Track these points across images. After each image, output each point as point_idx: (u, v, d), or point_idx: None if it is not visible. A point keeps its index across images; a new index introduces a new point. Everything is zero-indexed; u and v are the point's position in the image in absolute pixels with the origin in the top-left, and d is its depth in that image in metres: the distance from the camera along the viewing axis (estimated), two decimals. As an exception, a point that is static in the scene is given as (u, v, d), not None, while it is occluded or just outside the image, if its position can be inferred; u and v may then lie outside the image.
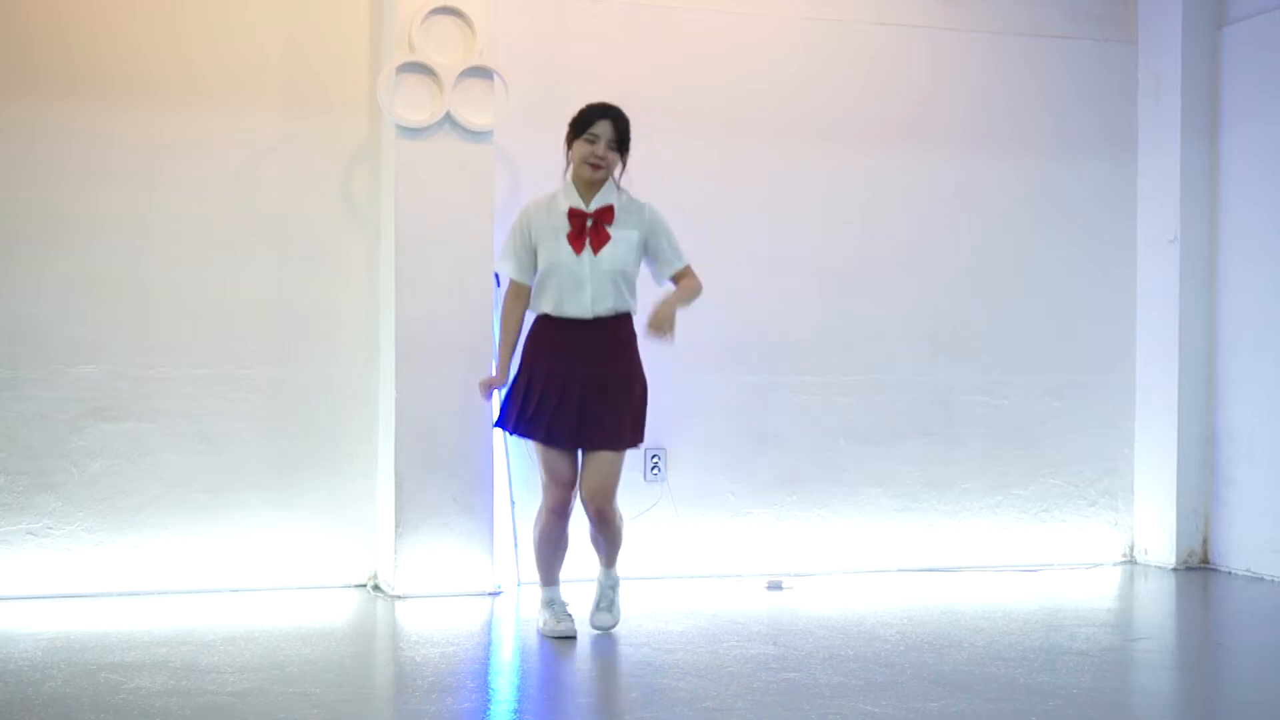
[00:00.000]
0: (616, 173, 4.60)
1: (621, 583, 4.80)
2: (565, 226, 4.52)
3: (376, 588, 5.46)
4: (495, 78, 5.42)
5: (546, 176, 5.56)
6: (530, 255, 4.56)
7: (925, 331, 6.18)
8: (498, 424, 4.66)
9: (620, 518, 4.68)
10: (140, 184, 5.36)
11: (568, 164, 4.59)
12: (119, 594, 5.23)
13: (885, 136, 6.13)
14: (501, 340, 4.68)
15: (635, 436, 4.58)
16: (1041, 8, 6.32)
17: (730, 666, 4.21)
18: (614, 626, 4.69)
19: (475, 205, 5.38)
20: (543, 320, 4.56)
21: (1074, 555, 6.31)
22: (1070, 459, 6.33)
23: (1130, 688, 4.22)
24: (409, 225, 5.30)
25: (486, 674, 4.23)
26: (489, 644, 4.67)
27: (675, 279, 4.65)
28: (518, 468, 5.54)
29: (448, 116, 5.34)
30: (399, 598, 5.27)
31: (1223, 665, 4.63)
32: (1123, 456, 6.39)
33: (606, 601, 4.71)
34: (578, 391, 4.47)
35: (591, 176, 4.54)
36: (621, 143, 4.56)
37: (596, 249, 4.50)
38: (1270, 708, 3.91)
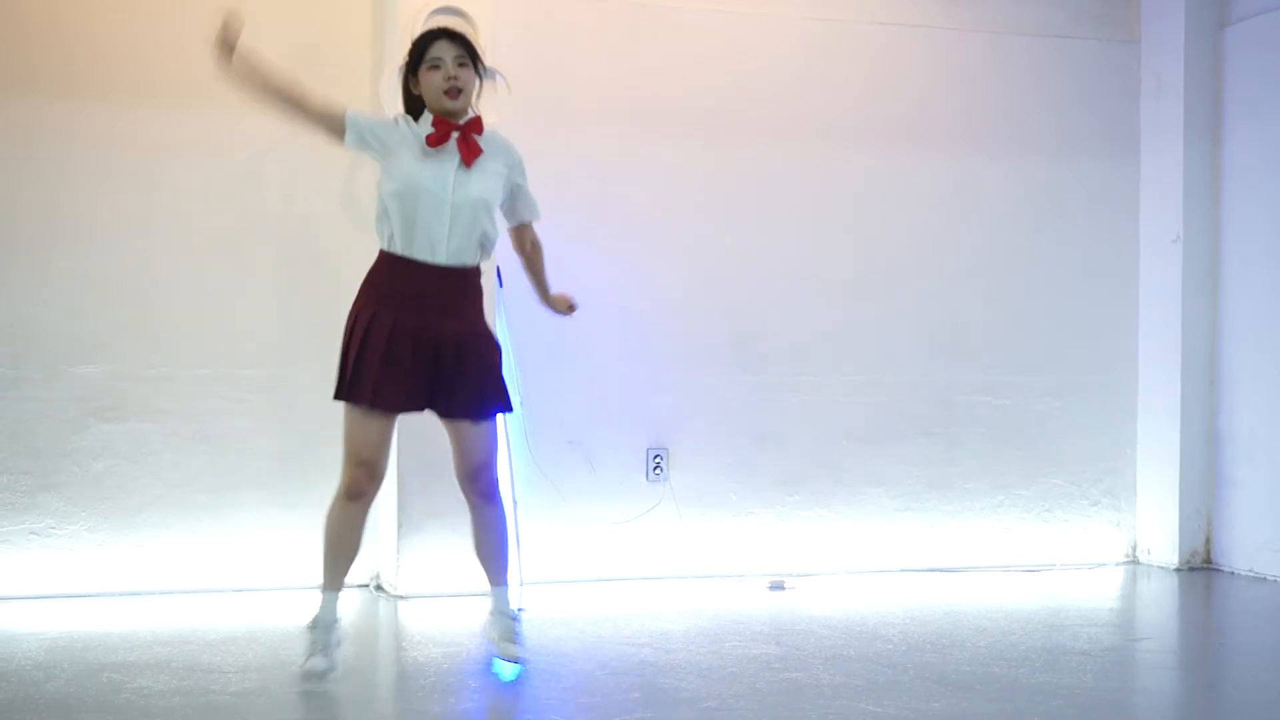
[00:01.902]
0: (475, 101, 3.96)
1: (520, 617, 4.21)
2: (428, 132, 3.85)
3: (379, 587, 5.46)
4: (497, 77, 5.41)
5: (550, 174, 5.56)
6: (373, 135, 3.90)
7: (926, 331, 6.18)
8: (335, 394, 3.91)
9: (504, 510, 4.07)
10: (141, 184, 5.36)
11: (416, 108, 3.94)
12: (121, 594, 5.23)
13: (885, 137, 6.13)
14: (277, 78, 3.98)
15: (506, 403, 3.97)
16: (1043, 7, 6.32)
17: (732, 666, 4.21)
18: (521, 661, 4.05)
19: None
20: (383, 262, 3.88)
21: (1076, 555, 6.31)
22: (1072, 459, 6.33)
23: (1133, 688, 4.22)
24: (411, 225, 5.30)
25: (489, 674, 4.23)
26: (492, 644, 4.66)
27: (522, 233, 4.11)
28: (520, 466, 5.54)
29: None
30: (401, 598, 5.26)
31: (1225, 665, 4.62)
32: (1125, 456, 6.39)
33: (511, 633, 4.04)
34: (429, 351, 3.81)
35: (453, 105, 3.84)
36: (472, 59, 3.91)
37: (468, 161, 3.84)
38: (1273, 708, 3.91)
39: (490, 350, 3.99)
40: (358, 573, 5.51)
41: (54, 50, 5.27)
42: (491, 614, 4.12)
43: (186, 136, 5.39)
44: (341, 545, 3.91)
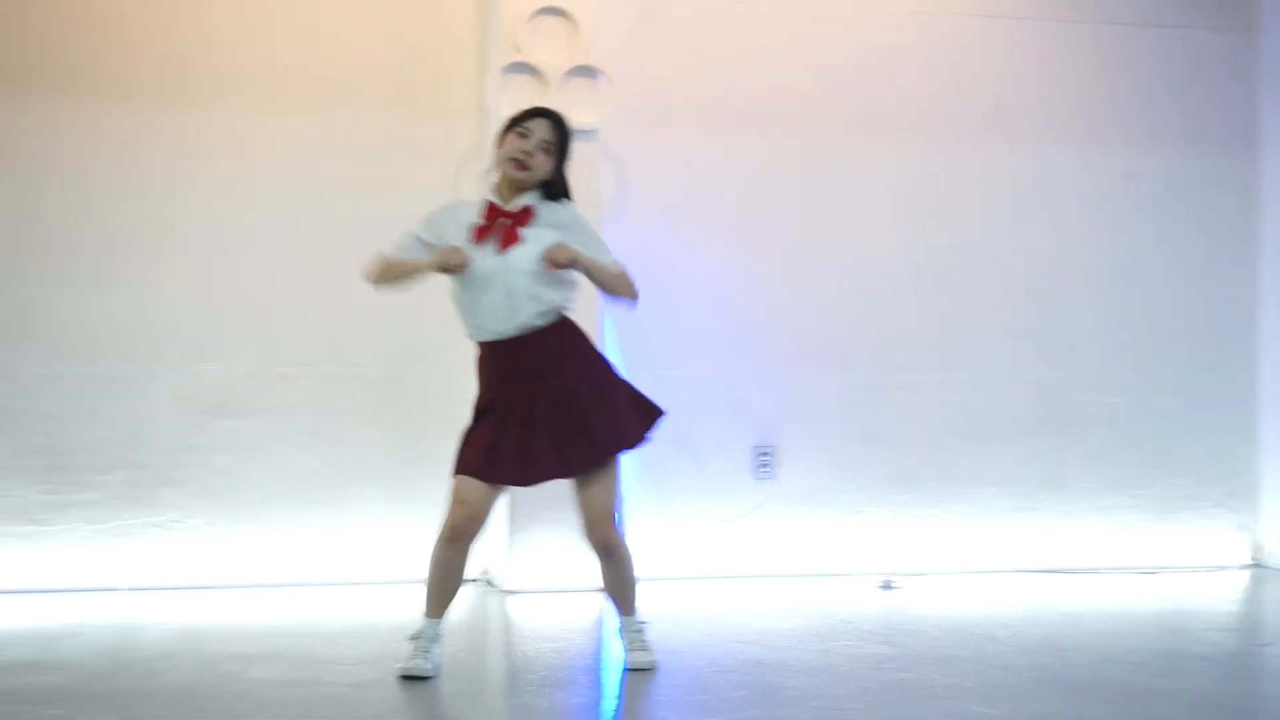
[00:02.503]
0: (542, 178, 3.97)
1: (647, 627, 4.15)
2: (476, 222, 3.95)
3: (489, 582, 5.52)
4: (600, 76, 5.44)
5: (651, 173, 5.58)
6: (425, 246, 3.96)
7: (1037, 328, 6.07)
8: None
9: (629, 552, 4.07)
10: (252, 187, 5.48)
11: (492, 166, 4.06)
12: (239, 586, 5.35)
13: (990, 130, 6.04)
14: (402, 265, 4.00)
15: (621, 442, 3.97)
16: (1153, -4, 6.17)
17: (842, 666, 4.17)
18: (652, 666, 4.05)
19: (581, 203, 5.37)
20: (479, 349, 4.00)
21: (1196, 557, 6.15)
22: (1191, 458, 6.17)
23: (1259, 694, 4.09)
24: (520, 224, 5.35)
25: (598, 669, 4.25)
26: (600, 639, 4.68)
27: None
28: (627, 464, 5.55)
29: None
30: (511, 592, 5.31)
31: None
32: (1247, 456, 6.21)
33: (639, 642, 4.09)
34: (523, 417, 3.89)
35: (514, 175, 3.92)
36: (558, 150, 3.96)
37: (505, 246, 3.89)
38: (1407, 717, 3.77)
39: (599, 393, 3.98)
40: (469, 568, 5.58)
41: (166, 57, 5.42)
42: (619, 629, 4.16)
43: (296, 140, 5.50)
44: (445, 583, 3.99)
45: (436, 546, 3.98)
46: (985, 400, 6.02)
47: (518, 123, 3.97)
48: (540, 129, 3.95)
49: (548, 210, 3.99)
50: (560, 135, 3.98)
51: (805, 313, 5.87)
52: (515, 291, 3.89)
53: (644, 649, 4.08)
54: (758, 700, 3.78)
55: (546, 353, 3.94)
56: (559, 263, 3.87)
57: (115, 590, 5.26)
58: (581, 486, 3.98)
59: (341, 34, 5.54)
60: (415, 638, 3.99)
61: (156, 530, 5.38)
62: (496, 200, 3.98)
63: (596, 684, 4.04)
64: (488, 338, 3.94)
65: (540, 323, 3.92)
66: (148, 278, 5.39)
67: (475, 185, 5.20)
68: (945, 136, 6.00)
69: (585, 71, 5.42)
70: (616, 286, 4.01)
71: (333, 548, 5.48)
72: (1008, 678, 4.05)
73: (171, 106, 5.41)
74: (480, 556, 5.57)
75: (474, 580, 5.55)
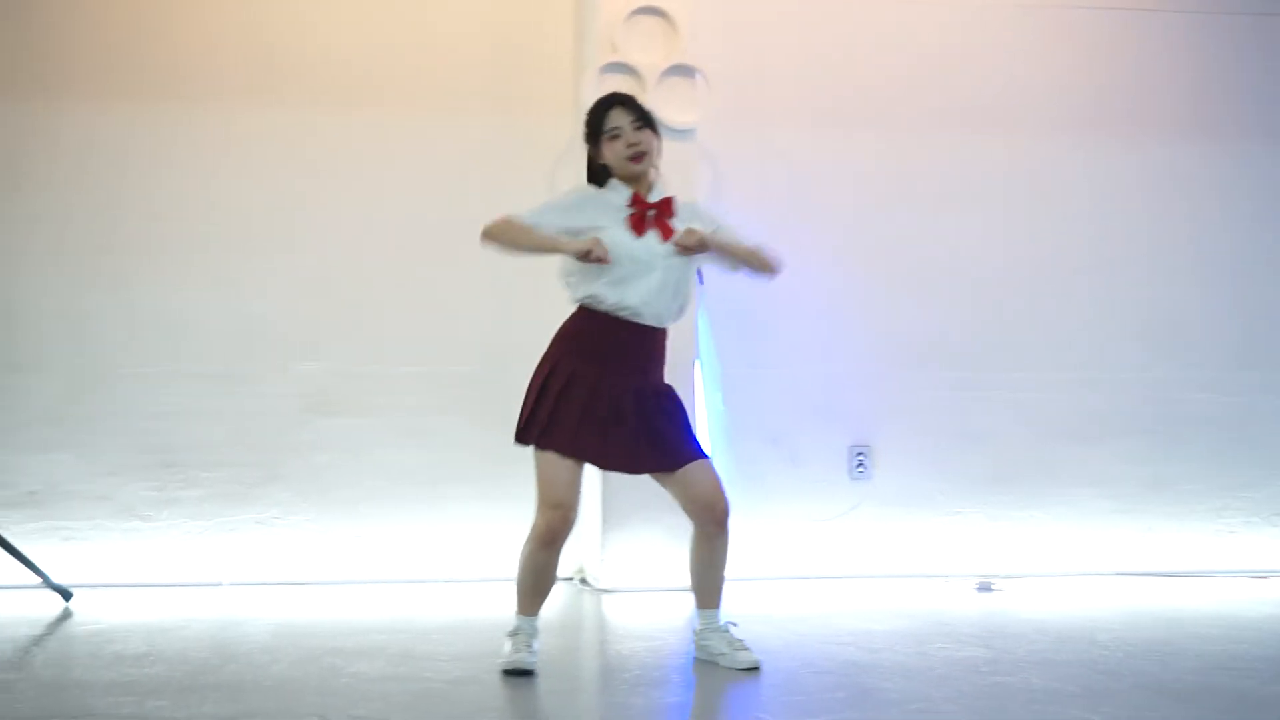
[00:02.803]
0: (657, 162, 4.02)
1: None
2: (626, 212, 3.95)
3: (583, 581, 5.54)
4: (697, 75, 5.44)
5: (748, 172, 5.56)
6: (572, 225, 3.93)
7: (1141, 326, 5.96)
8: (516, 438, 4.01)
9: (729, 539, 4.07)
10: (356, 187, 5.57)
11: (602, 173, 4.03)
12: (340, 582, 5.44)
13: (1095, 124, 5.94)
14: (536, 237, 3.96)
15: (702, 446, 4.06)
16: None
17: (939, 668, 4.12)
18: (758, 665, 4.01)
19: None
20: (588, 319, 3.96)
21: (1308, 562, 5.99)
22: (1304, 460, 6.01)
23: (1373, 703, 3.96)
24: (614, 223, 5.36)
25: (691, 668, 4.24)
26: (693, 639, 4.67)
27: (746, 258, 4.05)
28: (721, 463, 5.54)
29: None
30: (605, 591, 5.33)
31: None
32: (1362, 458, 6.03)
33: (739, 642, 4.07)
34: (630, 407, 3.90)
35: (637, 169, 3.95)
36: (645, 121, 3.98)
37: (665, 237, 3.94)
38: None
39: (677, 404, 4.05)
40: (563, 567, 5.61)
41: (277, 60, 5.52)
42: (704, 631, 4.12)
43: (397, 141, 5.58)
44: (540, 584, 4.03)
45: (531, 550, 4.00)
46: (1089, 399, 5.92)
47: (599, 127, 3.99)
48: (619, 117, 3.98)
49: (684, 206, 4.07)
50: (636, 108, 4.01)
51: (902, 311, 5.82)
52: (669, 283, 3.94)
53: (745, 647, 4.06)
54: (854, 702, 3.75)
55: (652, 351, 4.01)
56: (689, 247, 3.91)
57: (219, 585, 5.37)
58: (684, 474, 3.97)
59: (440, 35, 5.61)
60: (514, 634, 4.02)
61: (260, 526, 5.49)
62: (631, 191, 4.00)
63: (690, 683, 4.03)
64: (619, 315, 3.93)
65: (667, 321, 4.00)
66: (255, 279, 5.51)
67: (569, 183, 5.23)
68: (1049, 131, 5.91)
69: (682, 70, 5.42)
70: (753, 261, 4.04)
71: (429, 545, 5.55)
72: (1109, 683, 3.97)
73: (276, 109, 5.51)
74: (574, 556, 5.61)
75: (568, 579, 5.58)
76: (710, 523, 4.03)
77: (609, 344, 3.95)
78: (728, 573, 4.12)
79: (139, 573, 5.37)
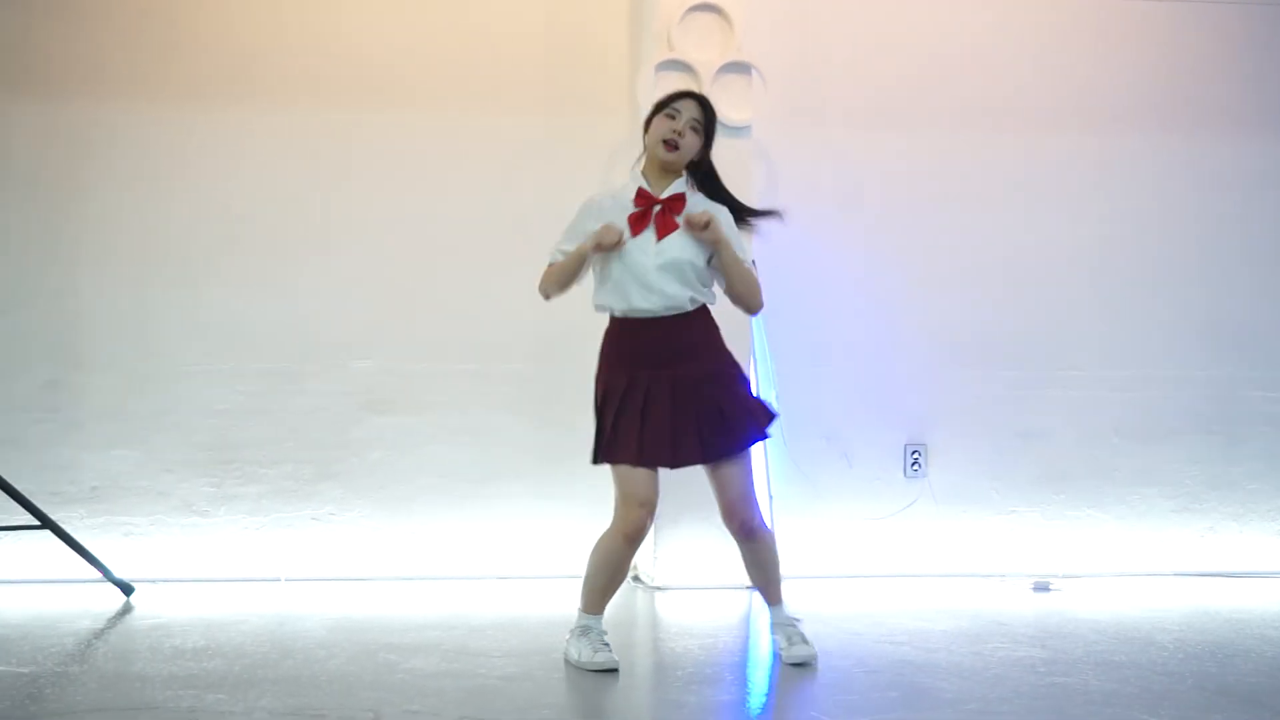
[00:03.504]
0: (690, 167, 4.03)
1: (800, 622, 4.15)
2: (630, 210, 3.98)
3: (636, 579, 5.55)
4: (753, 72, 5.43)
5: (804, 170, 5.54)
6: (583, 234, 3.98)
7: (1203, 324, 5.87)
8: (593, 459, 4.06)
9: (771, 536, 4.15)
10: (410, 186, 5.60)
11: (641, 153, 4.07)
12: (394, 578, 5.48)
13: (1154, 120, 5.87)
14: (564, 264, 4.01)
15: (755, 432, 4.00)
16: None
17: (995, 669, 4.09)
18: (813, 660, 4.05)
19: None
20: (613, 326, 4.03)
21: (1373, 563, 5.88)
22: (1369, 459, 5.90)
23: None
24: (667, 221, 5.36)
25: (745, 666, 4.24)
26: (747, 637, 4.67)
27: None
28: (776, 461, 5.53)
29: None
30: (659, 589, 5.33)
31: None
32: None
33: (798, 635, 4.08)
34: (666, 400, 3.92)
35: (665, 157, 3.96)
36: (705, 130, 3.99)
37: (661, 235, 3.94)
38: None
39: (733, 383, 4.02)
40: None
41: (328, 61, 5.57)
42: (774, 625, 4.15)
43: (453, 138, 5.61)
44: (612, 582, 4.03)
45: (611, 546, 3.99)
46: (1148, 397, 5.85)
47: (665, 105, 4.01)
48: (688, 109, 3.99)
49: (697, 202, 4.03)
50: (707, 116, 4.01)
51: (958, 308, 5.78)
52: (668, 276, 3.93)
53: (803, 641, 4.07)
54: (909, 702, 3.73)
55: (688, 338, 3.97)
56: (699, 224, 3.89)
57: (277, 580, 5.43)
58: (717, 471, 3.99)
59: (497, 33, 5.63)
60: (586, 633, 4.01)
61: (316, 523, 5.54)
62: (646, 186, 4.01)
63: (744, 681, 4.03)
64: (636, 315, 3.96)
65: (688, 307, 3.96)
66: (311, 278, 5.55)
67: (626, 181, 5.27)
68: (1110, 127, 5.84)
69: (738, 68, 5.41)
70: (746, 285, 4.03)
71: (482, 541, 5.58)
72: (1169, 684, 3.92)
73: (336, 110, 5.56)
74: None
75: (622, 576, 5.58)
76: (735, 531, 4.05)
77: (636, 345, 3.97)
78: (783, 570, 4.10)
79: (198, 568, 5.43)
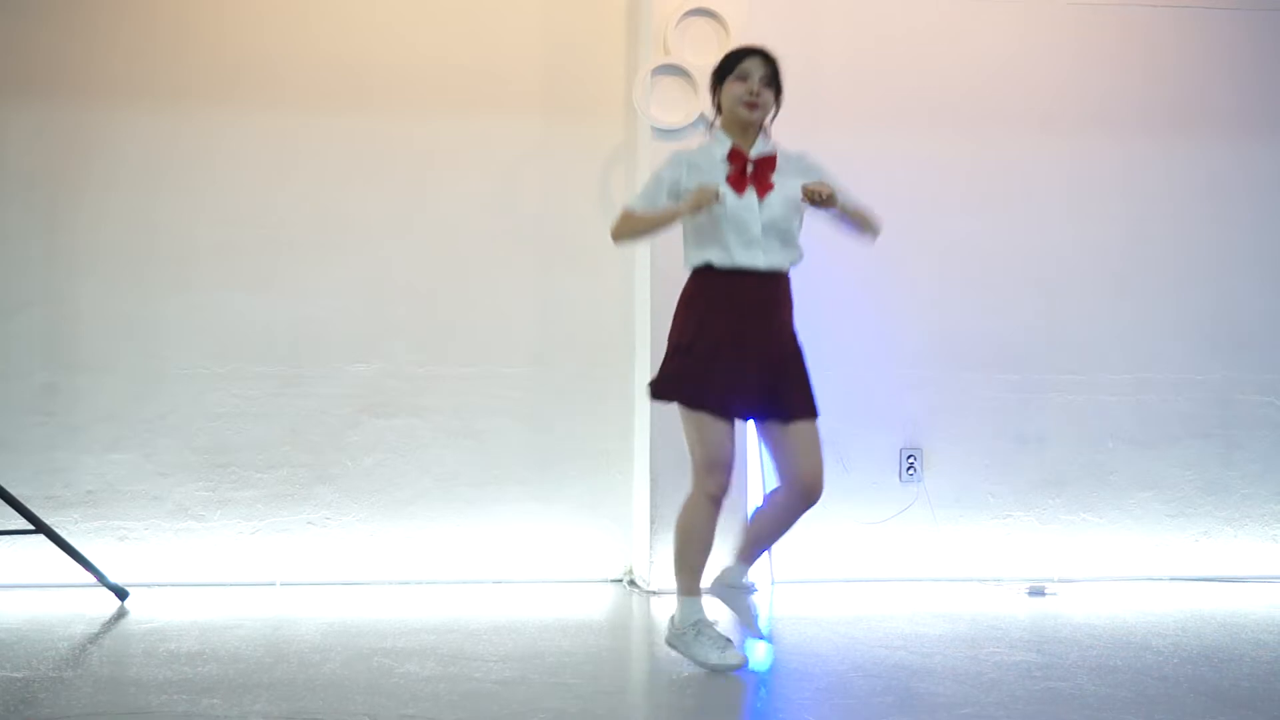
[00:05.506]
0: (769, 120, 4.11)
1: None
2: (725, 168, 4.02)
3: (632, 582, 5.55)
4: (748, 77, 5.42)
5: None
6: (676, 193, 4.01)
7: (1200, 327, 5.88)
8: (655, 393, 4.05)
9: None
10: (407, 190, 5.60)
11: (715, 114, 4.12)
12: (390, 582, 5.48)
13: (1152, 124, 5.86)
14: (653, 218, 4.04)
15: (815, 403, 4.08)
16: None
17: (991, 673, 4.09)
18: (769, 636, 4.17)
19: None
20: (706, 274, 4.01)
21: (1369, 567, 5.89)
22: (1365, 464, 5.90)
23: None
24: (663, 225, 5.37)
25: (740, 670, 4.23)
26: (743, 641, 4.67)
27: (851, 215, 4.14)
28: (770, 464, 5.52)
29: (702, 117, 5.37)
30: (654, 593, 5.33)
31: None
32: None
33: (752, 607, 4.11)
34: (756, 356, 3.94)
35: (748, 117, 4.02)
36: (774, 81, 4.07)
37: (761, 195, 4.01)
38: None
39: (801, 354, 4.11)
40: (612, 567, 5.64)
41: (327, 66, 5.56)
42: (733, 588, 4.10)
43: (449, 143, 5.61)
44: (706, 546, 4.00)
45: (697, 513, 3.98)
46: (1144, 402, 5.85)
47: (731, 68, 4.06)
48: (757, 67, 4.05)
49: (789, 157, 4.12)
50: (773, 67, 4.09)
51: (953, 313, 5.78)
52: (771, 241, 4.00)
53: (756, 615, 4.11)
54: (904, 706, 3.73)
55: (779, 298, 4.05)
56: (821, 196, 3.95)
57: (272, 585, 5.43)
58: (796, 433, 4.01)
59: (493, 36, 5.63)
60: (701, 630, 3.95)
61: (312, 527, 5.54)
62: (735, 143, 4.05)
63: (738, 685, 4.03)
64: (739, 265, 3.98)
65: (785, 268, 4.05)
66: (308, 281, 5.55)
67: (621, 185, 5.30)
68: (1106, 131, 5.84)
69: (733, 73, 5.41)
70: (868, 224, 4.15)
71: (480, 545, 5.57)
72: (1165, 689, 3.93)
73: (331, 114, 5.56)
74: (623, 557, 5.62)
75: (616, 580, 5.59)
76: (802, 495, 4.05)
77: (735, 298, 3.98)
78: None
79: (193, 572, 5.43)
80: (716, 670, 3.94)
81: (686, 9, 5.38)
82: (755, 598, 4.15)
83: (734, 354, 3.94)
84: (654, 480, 5.33)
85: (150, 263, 5.49)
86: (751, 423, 4.12)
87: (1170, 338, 5.87)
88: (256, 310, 5.52)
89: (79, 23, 5.46)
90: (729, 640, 3.98)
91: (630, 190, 5.61)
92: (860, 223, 4.14)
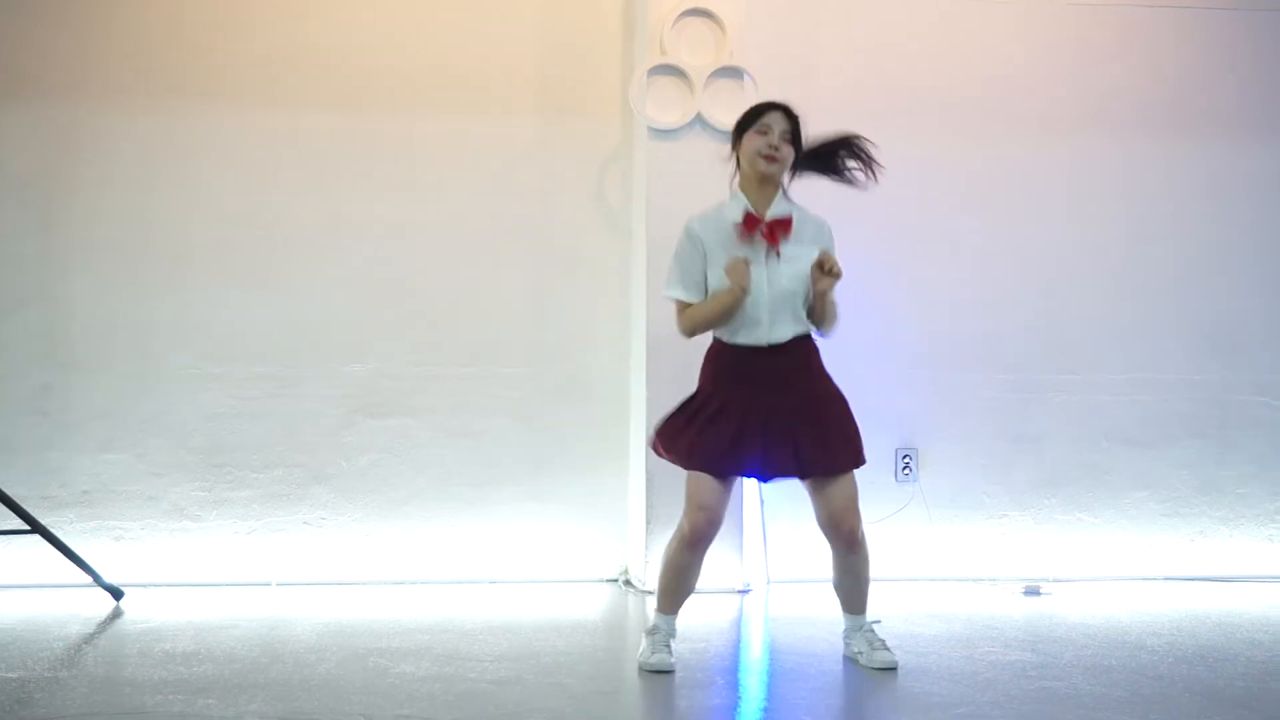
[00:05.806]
0: (786, 178, 4.15)
1: (879, 625, 4.22)
2: (731, 234, 4.06)
3: (627, 582, 5.55)
4: (745, 77, 5.43)
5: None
6: (702, 274, 4.06)
7: (1197, 328, 5.88)
8: (653, 447, 4.17)
9: (868, 546, 4.21)
10: (403, 190, 5.59)
11: (734, 171, 4.15)
12: (386, 582, 5.47)
13: (1153, 124, 5.86)
14: (711, 314, 4.06)
15: (856, 456, 4.12)
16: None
17: (986, 673, 4.09)
18: (895, 665, 4.09)
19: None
20: (718, 346, 4.12)
21: (1363, 567, 5.89)
22: (1360, 464, 5.91)
23: None
24: (660, 225, 5.35)
25: (736, 671, 4.25)
26: (738, 641, 4.68)
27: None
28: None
29: (699, 118, 5.38)
30: (649, 593, 5.32)
31: None
32: None
33: (877, 641, 4.16)
34: (758, 422, 3.99)
35: (766, 169, 4.05)
36: (794, 138, 4.11)
37: (770, 250, 4.05)
38: None
39: (834, 408, 4.10)
40: (607, 567, 5.63)
41: (324, 67, 5.56)
42: (849, 631, 4.23)
43: (445, 143, 5.60)
44: (683, 585, 4.11)
45: (675, 551, 4.08)
46: (1140, 401, 5.85)
47: (752, 121, 4.10)
48: (778, 122, 4.08)
49: (805, 220, 4.12)
50: (795, 124, 4.11)
51: (950, 312, 5.78)
52: (780, 312, 4.03)
53: (885, 648, 4.13)
54: (899, 705, 3.73)
55: (793, 365, 4.07)
56: (834, 273, 3.98)
57: (267, 585, 5.42)
58: (822, 483, 4.06)
59: (489, 37, 5.63)
60: (653, 632, 4.10)
61: (307, 527, 5.53)
62: (749, 206, 4.07)
63: (735, 686, 4.03)
64: (739, 343, 4.05)
65: (792, 335, 4.05)
66: (304, 281, 5.54)
67: (617, 185, 5.28)
68: (1104, 132, 5.83)
69: (730, 73, 5.41)
70: (832, 320, 4.12)
71: (475, 546, 5.57)
72: (1160, 688, 3.94)
73: (326, 113, 5.55)
74: (619, 557, 5.62)
75: (612, 580, 5.59)
76: (836, 540, 4.13)
77: (743, 371, 4.04)
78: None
79: (188, 572, 5.42)
80: (643, 667, 4.04)
81: (683, 9, 5.37)
82: (878, 630, 4.20)
83: (738, 418, 3.99)
84: (649, 480, 5.33)
85: (145, 261, 5.48)
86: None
87: (1169, 338, 5.87)
88: (252, 309, 5.51)
89: (73, 21, 5.45)
90: (667, 648, 4.06)
91: (627, 190, 5.62)
92: (829, 315, 4.10)
